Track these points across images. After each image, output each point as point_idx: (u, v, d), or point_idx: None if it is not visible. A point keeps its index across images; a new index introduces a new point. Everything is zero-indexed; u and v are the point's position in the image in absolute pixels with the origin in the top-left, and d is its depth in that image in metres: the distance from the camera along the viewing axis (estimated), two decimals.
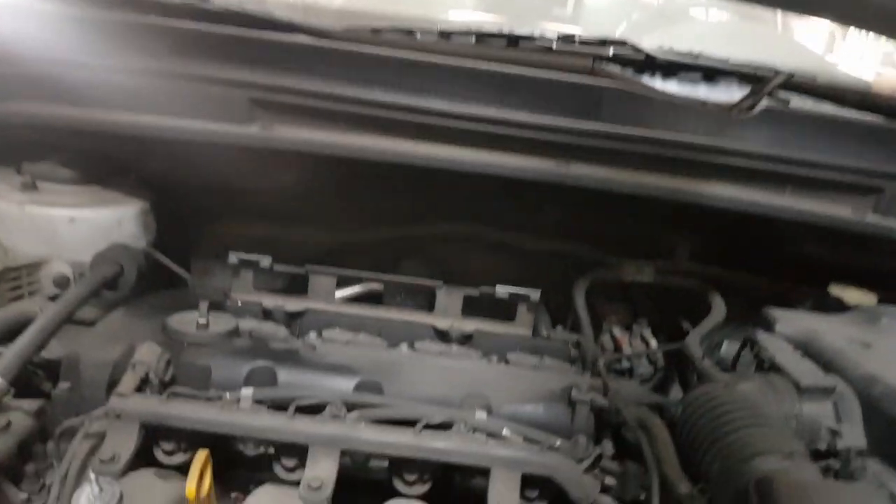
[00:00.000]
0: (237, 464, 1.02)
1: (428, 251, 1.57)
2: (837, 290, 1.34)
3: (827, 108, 1.27)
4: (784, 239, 1.34)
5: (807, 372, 1.12)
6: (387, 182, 1.45)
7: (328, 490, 0.88)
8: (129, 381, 0.99)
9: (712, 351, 1.39)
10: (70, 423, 0.93)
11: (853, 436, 1.07)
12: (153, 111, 1.27)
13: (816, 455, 1.05)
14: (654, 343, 1.45)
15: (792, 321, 1.25)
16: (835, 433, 1.07)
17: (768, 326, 1.25)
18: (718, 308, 1.39)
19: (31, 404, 1.12)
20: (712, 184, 1.19)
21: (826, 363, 1.16)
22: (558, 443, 0.96)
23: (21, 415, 1.10)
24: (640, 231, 1.47)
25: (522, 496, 0.95)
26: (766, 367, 1.17)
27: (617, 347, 1.46)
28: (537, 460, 0.92)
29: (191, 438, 0.94)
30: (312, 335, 1.19)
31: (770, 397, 1.10)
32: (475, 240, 1.54)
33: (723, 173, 1.18)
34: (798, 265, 1.39)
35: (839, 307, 1.33)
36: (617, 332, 1.49)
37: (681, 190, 1.18)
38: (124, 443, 0.90)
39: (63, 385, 1.02)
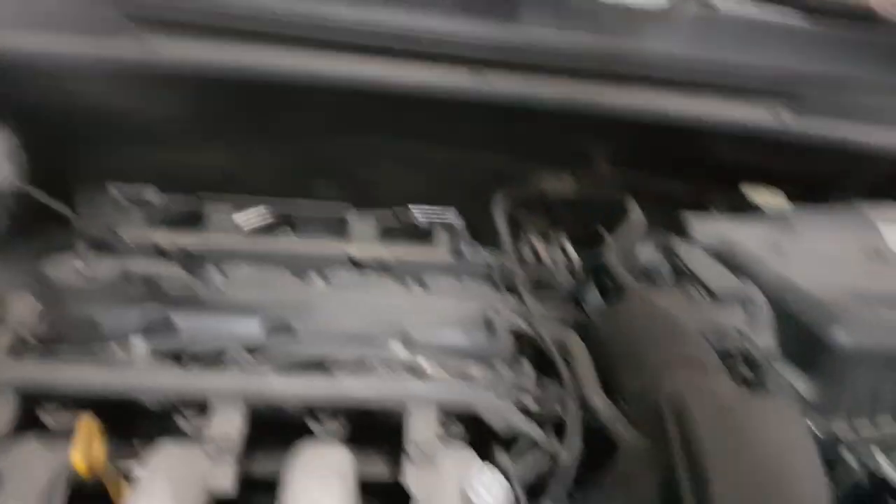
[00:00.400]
0: (139, 415, 0.95)
1: (340, 169, 1.47)
2: (748, 192, 1.34)
3: (736, 8, 1.22)
4: (702, 144, 1.31)
5: (720, 279, 1.13)
6: (290, 96, 1.32)
7: (235, 445, 0.83)
8: (1, 340, 0.89)
9: (631, 259, 1.39)
10: None
11: (764, 340, 1.10)
12: (6, 26, 1.09)
13: (728, 359, 1.08)
14: (573, 253, 1.44)
15: (708, 227, 1.25)
16: (746, 338, 1.10)
17: (685, 233, 1.25)
18: (636, 216, 1.37)
19: None
20: (632, 92, 1.14)
21: (740, 269, 1.17)
22: (476, 371, 0.93)
23: None
24: (559, 141, 1.41)
25: (443, 427, 0.93)
26: (682, 275, 1.17)
27: (537, 259, 1.44)
28: (454, 393, 0.90)
29: (80, 399, 0.86)
30: (214, 273, 1.10)
31: (685, 307, 1.11)
32: (390, 155, 1.44)
33: (642, 80, 1.13)
34: (715, 169, 1.38)
35: (751, 208, 1.34)
36: (536, 243, 1.47)
37: (600, 100, 1.12)
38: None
39: None
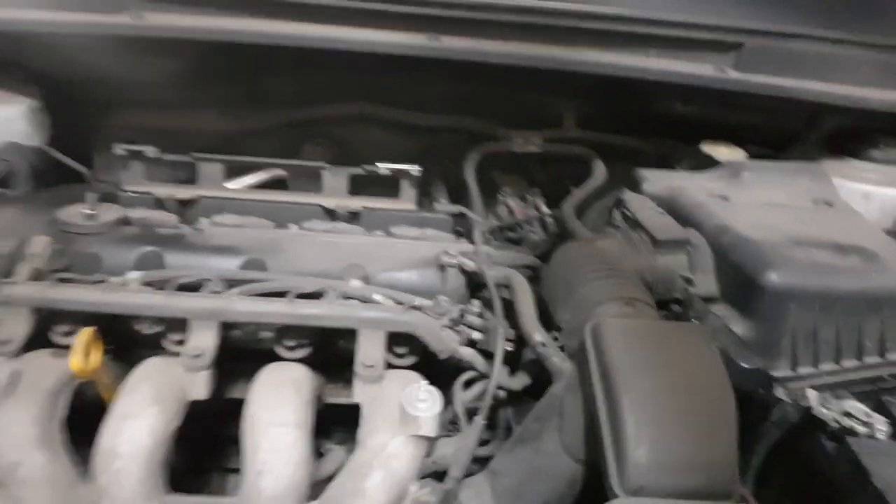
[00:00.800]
0: (137, 343, 1.10)
1: (327, 132, 1.59)
2: (708, 148, 1.40)
3: None
4: (657, 101, 1.38)
5: (664, 226, 1.20)
6: (279, 64, 1.45)
7: (208, 358, 0.98)
8: (22, 271, 1.04)
9: (602, 215, 1.47)
10: None
11: (705, 283, 1.15)
12: (24, 6, 1.24)
13: (673, 303, 1.16)
14: (545, 209, 1.53)
15: (659, 180, 1.31)
16: (688, 281, 1.17)
17: (637, 186, 1.32)
18: (598, 172, 1.45)
19: None
20: (580, 49, 1.21)
21: (685, 217, 1.24)
22: (418, 302, 1.05)
23: None
24: (529, 101, 1.50)
25: (392, 353, 1.05)
26: (630, 224, 1.25)
27: (511, 216, 1.54)
28: (398, 319, 1.02)
29: (84, 320, 1.02)
30: (204, 221, 1.24)
31: (628, 252, 1.20)
32: (372, 119, 1.56)
33: (589, 38, 1.20)
34: (676, 126, 1.45)
35: (711, 164, 1.40)
36: (511, 202, 1.56)
37: (549, 57, 1.20)
38: (16, 327, 0.97)
39: None
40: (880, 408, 0.93)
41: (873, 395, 0.98)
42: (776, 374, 1.00)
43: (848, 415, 0.91)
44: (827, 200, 1.29)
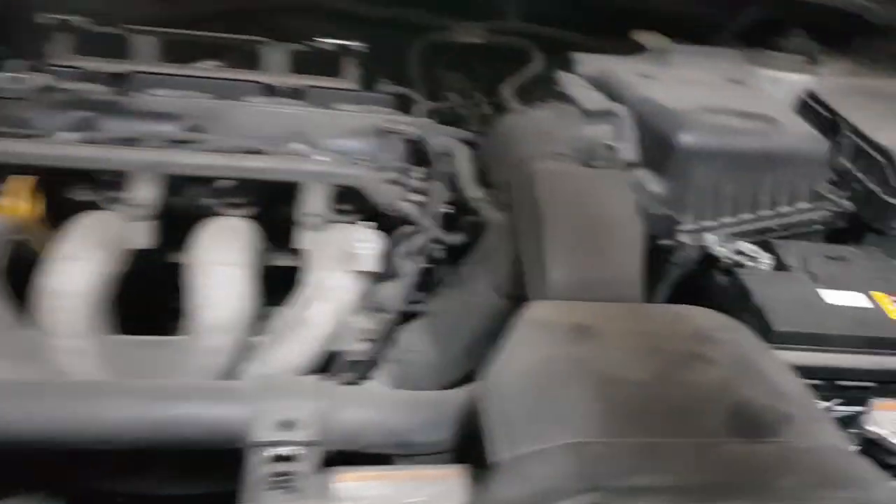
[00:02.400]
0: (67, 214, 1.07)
1: (268, 23, 1.57)
2: (638, 36, 1.48)
3: None
4: None
5: (592, 99, 1.27)
6: None
7: (150, 210, 0.98)
8: None
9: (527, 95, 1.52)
10: None
11: (627, 150, 1.25)
12: None
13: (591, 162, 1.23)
14: (483, 101, 1.58)
15: (592, 63, 1.39)
16: (611, 148, 1.26)
17: (570, 68, 1.39)
18: (536, 60, 1.51)
19: None
20: None
21: (613, 94, 1.31)
22: (363, 160, 1.08)
23: None
24: None
25: (337, 211, 1.08)
26: (562, 99, 1.32)
27: (451, 107, 1.57)
28: (342, 172, 1.05)
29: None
30: (135, 93, 1.21)
31: (559, 122, 1.26)
32: (316, 9, 1.55)
33: None
34: (616, 19, 1.51)
35: (641, 51, 1.48)
36: (453, 97, 1.60)
37: None
38: None
39: None
40: (767, 248, 1.07)
41: (763, 243, 1.10)
42: (682, 227, 1.12)
43: (739, 252, 1.05)
44: (739, 80, 1.40)
